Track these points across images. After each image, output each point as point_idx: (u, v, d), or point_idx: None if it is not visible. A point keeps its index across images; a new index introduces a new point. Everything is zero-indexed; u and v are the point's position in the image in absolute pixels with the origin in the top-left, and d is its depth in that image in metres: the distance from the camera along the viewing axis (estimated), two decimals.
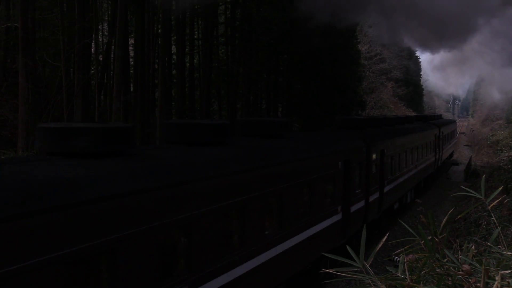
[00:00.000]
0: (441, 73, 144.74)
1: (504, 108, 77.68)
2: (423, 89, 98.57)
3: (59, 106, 23.36)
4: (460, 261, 2.84)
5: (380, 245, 3.06)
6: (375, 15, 37.32)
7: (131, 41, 29.86)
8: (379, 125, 20.81)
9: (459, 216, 16.43)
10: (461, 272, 2.72)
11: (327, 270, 3.05)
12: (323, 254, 4.13)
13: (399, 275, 2.81)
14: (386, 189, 17.75)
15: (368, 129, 18.16)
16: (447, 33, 37.01)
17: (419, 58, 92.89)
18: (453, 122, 52.54)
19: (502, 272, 2.68)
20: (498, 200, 3.61)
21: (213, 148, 8.34)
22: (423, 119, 34.25)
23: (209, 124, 8.82)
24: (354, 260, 2.83)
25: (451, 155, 46.08)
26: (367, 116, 22.03)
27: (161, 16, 31.00)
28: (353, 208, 13.95)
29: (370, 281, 2.76)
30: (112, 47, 29.24)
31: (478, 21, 36.28)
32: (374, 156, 15.83)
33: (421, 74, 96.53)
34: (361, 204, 14.79)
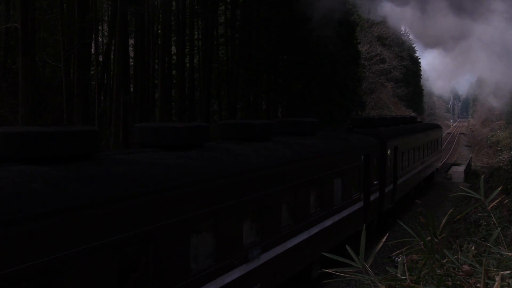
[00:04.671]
0: (444, 75, 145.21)
1: (504, 110, 77.84)
2: (423, 90, 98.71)
3: (59, 107, 23.36)
4: (460, 261, 2.83)
5: (380, 246, 3.06)
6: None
7: (131, 41, 29.85)
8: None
9: (458, 217, 16.45)
10: (461, 273, 2.72)
11: (327, 270, 3.05)
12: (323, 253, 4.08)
13: (399, 275, 2.81)
14: None
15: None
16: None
17: (419, 58, 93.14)
18: (434, 127, 33.67)
19: (502, 272, 2.67)
20: (497, 201, 3.61)
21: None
22: (358, 124, 19.59)
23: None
24: (354, 260, 2.83)
25: (432, 176, 32.07)
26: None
27: (161, 17, 31.02)
28: None
29: (369, 282, 2.76)
30: (112, 47, 29.24)
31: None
32: None
33: (421, 75, 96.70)
34: None
